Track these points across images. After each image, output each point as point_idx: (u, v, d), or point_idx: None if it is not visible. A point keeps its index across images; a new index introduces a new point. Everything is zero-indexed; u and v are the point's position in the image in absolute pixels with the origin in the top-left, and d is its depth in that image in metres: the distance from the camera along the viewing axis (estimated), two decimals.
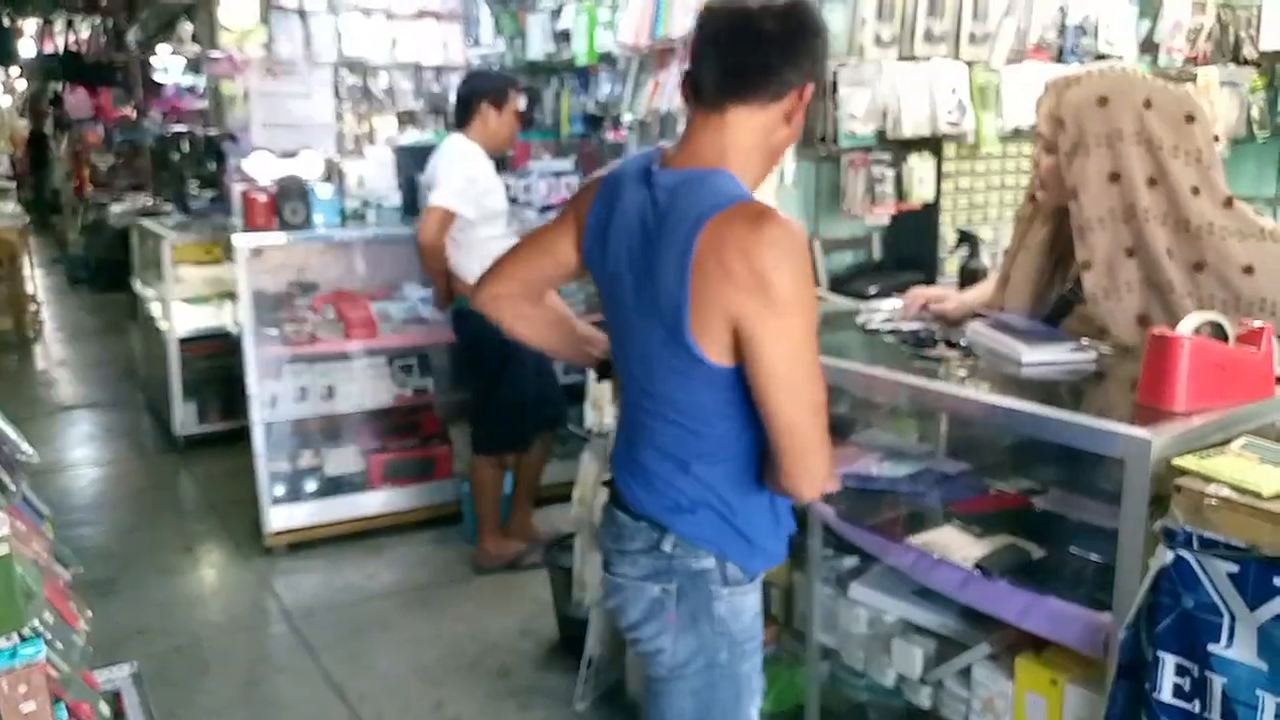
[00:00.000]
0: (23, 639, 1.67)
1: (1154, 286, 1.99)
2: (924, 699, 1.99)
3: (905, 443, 2.47)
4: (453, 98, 4.84)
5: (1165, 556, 1.47)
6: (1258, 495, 1.41)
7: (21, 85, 14.75)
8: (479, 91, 3.67)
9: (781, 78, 1.46)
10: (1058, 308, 2.18)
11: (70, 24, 11.73)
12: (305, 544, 3.92)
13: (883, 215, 3.01)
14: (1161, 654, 1.49)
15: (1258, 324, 1.76)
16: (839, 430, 2.05)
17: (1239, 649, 1.41)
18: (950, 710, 1.95)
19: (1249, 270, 1.93)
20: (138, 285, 5.89)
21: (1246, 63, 3.91)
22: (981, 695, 1.88)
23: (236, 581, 3.80)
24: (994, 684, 1.86)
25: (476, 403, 3.75)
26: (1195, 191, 1.95)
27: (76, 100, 11.19)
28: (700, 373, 1.47)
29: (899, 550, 2.00)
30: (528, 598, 3.46)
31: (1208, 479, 1.47)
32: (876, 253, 3.20)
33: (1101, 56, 3.35)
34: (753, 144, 1.50)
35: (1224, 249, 1.93)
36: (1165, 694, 1.50)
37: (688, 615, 1.57)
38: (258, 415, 3.87)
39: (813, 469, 1.46)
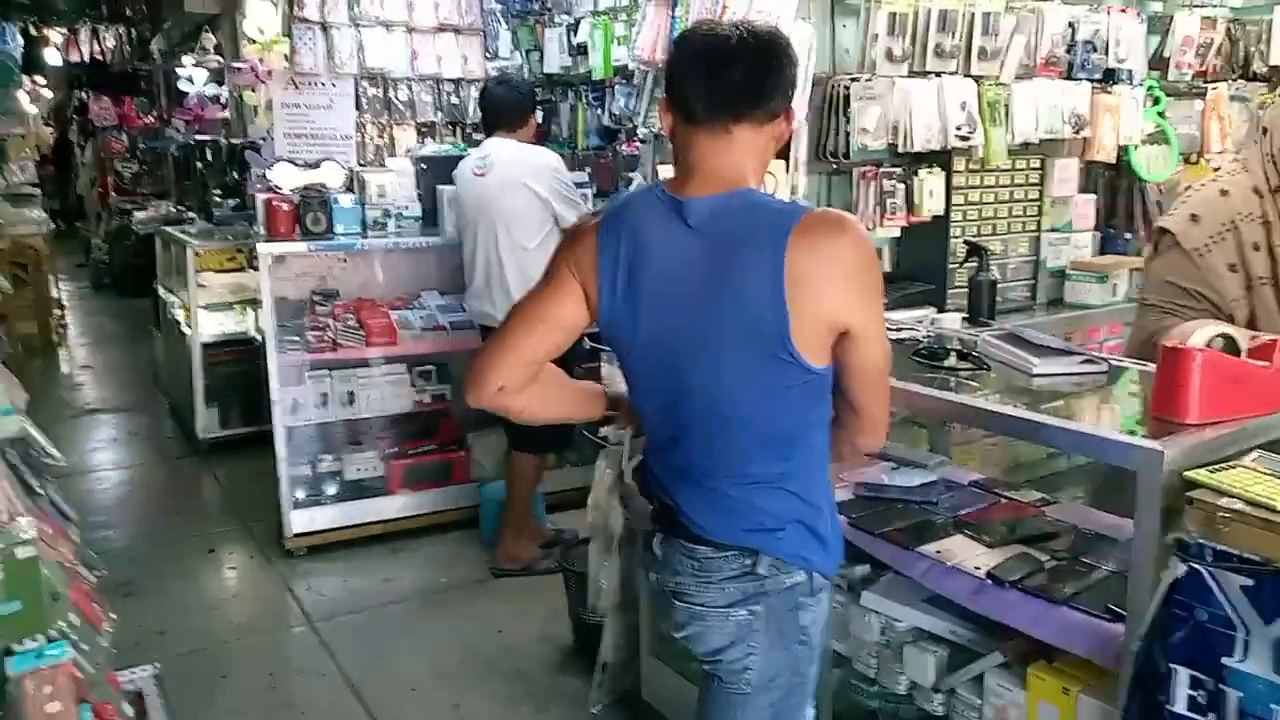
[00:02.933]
0: (49, 640, 1.71)
1: None
2: (937, 706, 2.01)
3: (918, 452, 2.50)
4: (473, 110, 4.94)
5: (1178, 569, 1.49)
6: (1272, 509, 1.42)
7: (47, 94, 14.93)
8: (529, 97, 3.78)
9: (773, 99, 1.53)
10: None
11: (95, 33, 11.91)
12: (325, 547, 3.97)
13: (894, 228, 3.04)
14: (1175, 666, 1.51)
15: (1269, 337, 1.78)
16: None
17: (1254, 662, 1.42)
18: (963, 718, 1.97)
19: None
20: (161, 291, 5.97)
21: (1256, 78, 3.92)
22: (994, 703, 1.90)
23: (257, 584, 3.84)
24: (1007, 693, 1.88)
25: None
26: None
27: (101, 108, 11.34)
28: (800, 381, 1.51)
29: (911, 559, 2.02)
30: (544, 601, 3.49)
31: (1221, 492, 1.49)
32: (888, 264, 3.23)
33: (1111, 73, 3.37)
34: (756, 161, 1.56)
35: None
36: (1179, 706, 1.51)
37: (776, 632, 1.61)
38: (279, 420, 3.92)
39: (884, 431, 1.66)
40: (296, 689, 3.10)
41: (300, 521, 3.95)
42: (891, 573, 2.12)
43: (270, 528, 4.09)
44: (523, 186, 3.60)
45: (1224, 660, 1.44)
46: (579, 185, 4.18)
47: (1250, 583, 1.40)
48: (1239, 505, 1.45)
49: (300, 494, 4.02)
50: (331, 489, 4.10)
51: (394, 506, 4.09)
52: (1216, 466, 1.56)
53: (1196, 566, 1.46)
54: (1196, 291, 2.09)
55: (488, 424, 3.96)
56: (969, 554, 1.98)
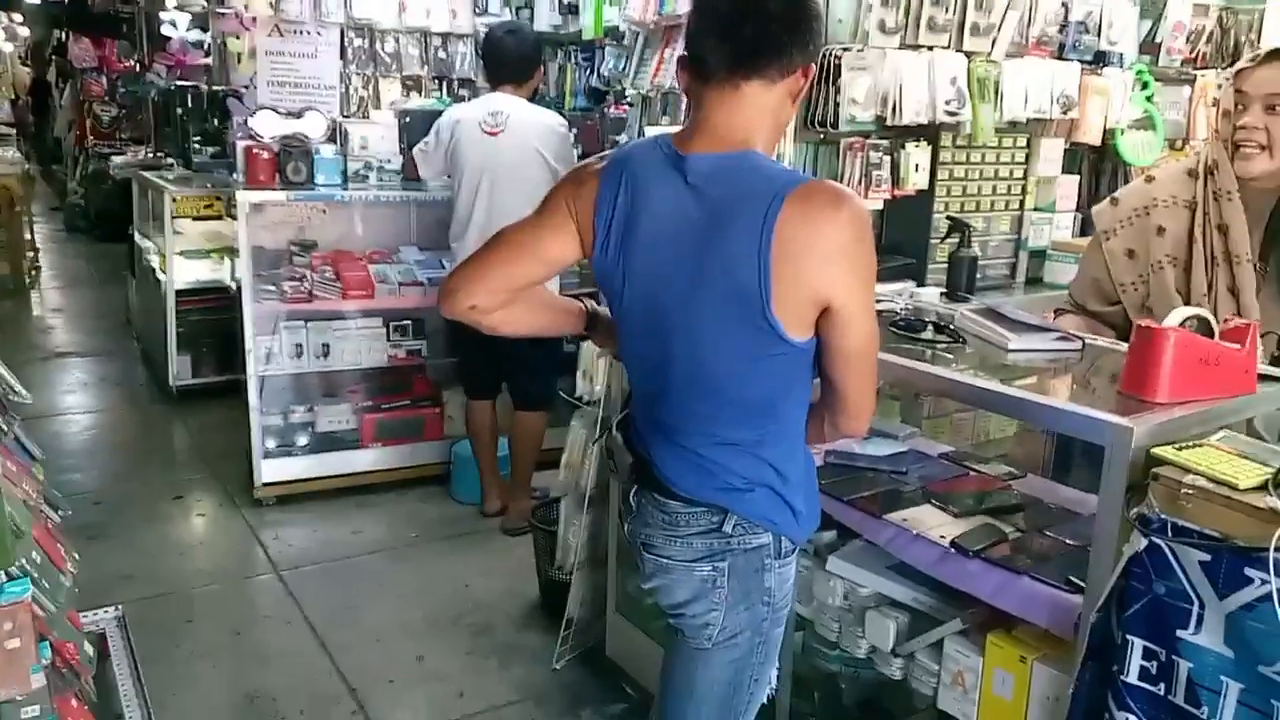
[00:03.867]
0: (9, 578, 1.70)
1: None
2: (895, 671, 2.04)
3: (889, 423, 2.52)
4: (462, 65, 4.88)
5: (1139, 543, 1.51)
6: (1233, 487, 1.44)
7: (24, 32, 14.63)
8: (539, 50, 3.71)
9: (790, 55, 1.48)
10: None
11: None
12: (294, 497, 3.96)
13: (877, 200, 3.04)
14: (1130, 637, 1.53)
15: (1243, 321, 1.80)
16: None
17: (1206, 636, 1.44)
18: (920, 683, 2.00)
19: None
20: (137, 236, 5.90)
21: None
22: (951, 669, 1.93)
23: (225, 531, 3.83)
24: (964, 659, 1.90)
25: (522, 361, 3.70)
26: None
27: (81, 50, 11.10)
28: (778, 352, 1.48)
29: (878, 526, 2.04)
30: (513, 558, 3.51)
31: (1185, 469, 1.50)
32: None
33: (1102, 54, 3.38)
34: (767, 121, 1.52)
35: None
36: (1132, 676, 1.54)
37: (740, 590, 1.62)
38: (253, 369, 3.90)
39: (870, 411, 1.61)
40: (261, 636, 3.10)
41: (270, 471, 3.94)
42: (858, 539, 2.14)
43: (240, 476, 4.07)
44: (535, 152, 3.56)
45: (1178, 632, 1.47)
46: None
47: (1208, 558, 1.42)
48: (1202, 482, 1.47)
49: (271, 444, 4.00)
50: (303, 440, 4.09)
51: (365, 460, 4.09)
52: (1183, 445, 1.57)
53: (1157, 541, 1.48)
54: (1094, 278, 2.23)
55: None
56: (935, 523, 2.00)
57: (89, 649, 2.14)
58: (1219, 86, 2.20)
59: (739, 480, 1.57)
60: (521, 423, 3.80)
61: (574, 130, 4.44)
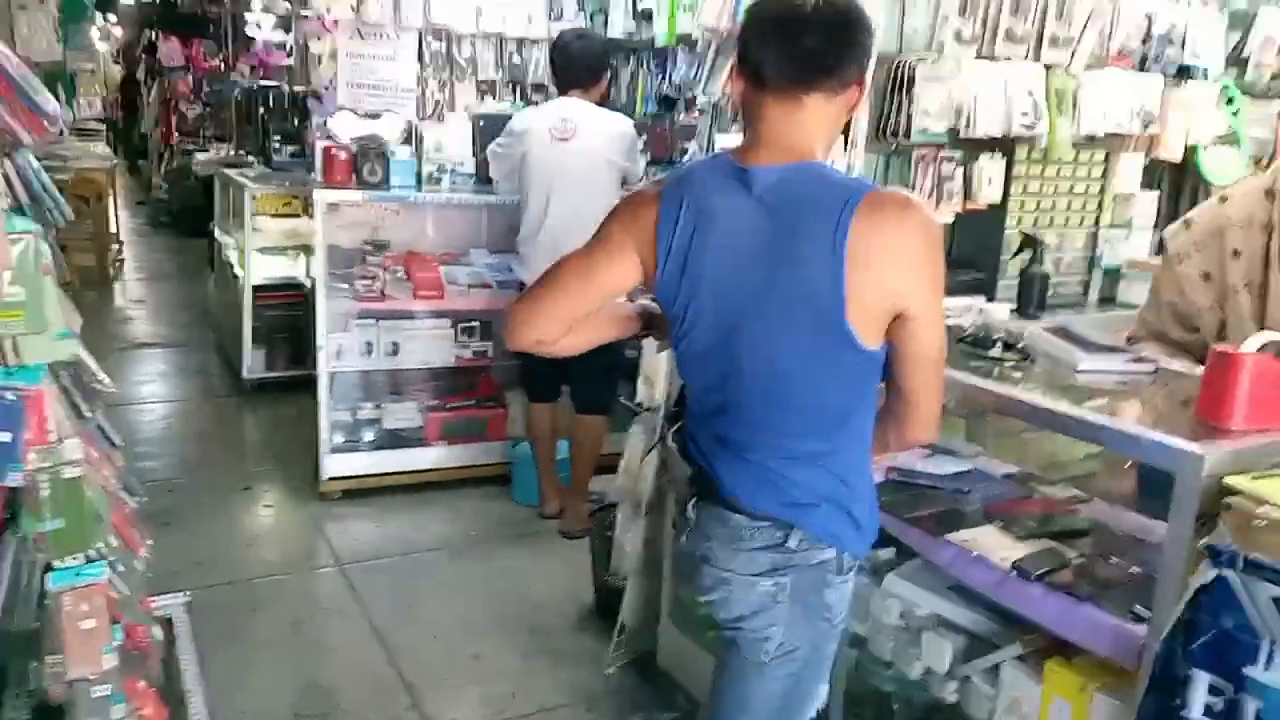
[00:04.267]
0: (88, 560, 1.77)
1: None
2: (949, 694, 2.01)
3: (954, 441, 2.48)
4: (534, 71, 4.93)
5: (1207, 574, 1.46)
6: None
7: (118, 32, 15.16)
8: (606, 54, 3.74)
9: (847, 68, 1.50)
10: None
11: None
12: (359, 492, 4.03)
13: (948, 213, 3.00)
14: (1195, 671, 1.49)
15: None
16: None
17: (1276, 673, 1.40)
18: (976, 707, 1.96)
19: None
20: (217, 232, 6.07)
21: None
22: (1008, 695, 1.89)
23: (291, 523, 3.92)
24: (1021, 685, 1.87)
25: (585, 366, 3.72)
26: None
27: (169, 49, 11.48)
28: (851, 360, 1.49)
29: (938, 546, 2.01)
30: (569, 561, 3.53)
31: (1259, 500, 1.46)
32: None
33: (1186, 68, 3.28)
34: (826, 132, 1.54)
35: None
36: (1195, 711, 1.49)
37: (800, 606, 1.62)
38: (324, 365, 3.98)
39: (937, 420, 1.62)
40: (322, 628, 3.17)
41: (336, 466, 4.02)
42: (916, 558, 2.11)
43: (307, 470, 4.16)
44: (606, 161, 3.60)
45: (1245, 669, 1.42)
46: None
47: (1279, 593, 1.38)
48: (1275, 514, 1.42)
49: (338, 439, 4.08)
50: (369, 436, 4.16)
51: (429, 457, 4.15)
52: (1257, 474, 1.53)
53: (1227, 573, 1.44)
54: (1168, 302, 2.13)
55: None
56: (996, 545, 1.96)
57: (157, 633, 2.21)
58: None
59: (805, 495, 1.57)
60: (582, 427, 3.82)
61: (643, 136, 4.46)
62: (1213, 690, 1.48)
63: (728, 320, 1.54)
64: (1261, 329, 1.95)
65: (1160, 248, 2.19)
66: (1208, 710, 1.48)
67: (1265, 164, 3.66)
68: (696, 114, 4.08)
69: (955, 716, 2.05)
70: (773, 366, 1.53)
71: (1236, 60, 3.59)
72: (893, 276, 1.44)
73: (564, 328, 1.66)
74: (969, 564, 1.95)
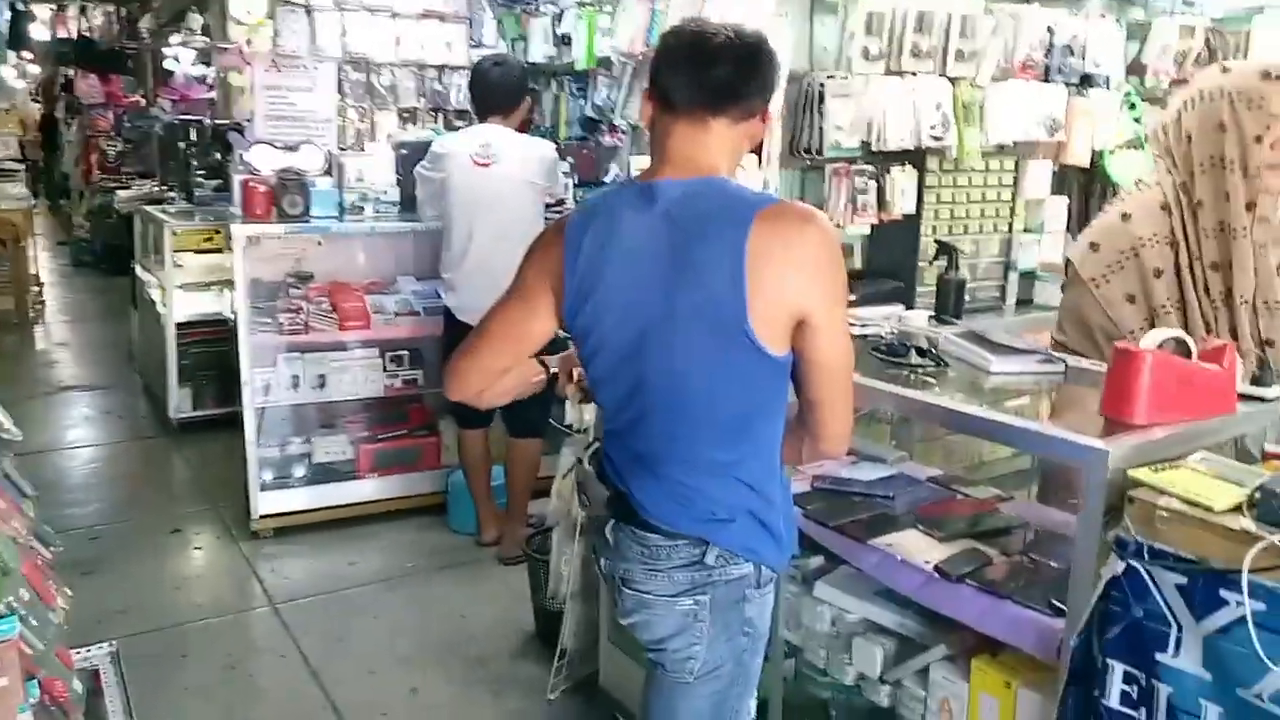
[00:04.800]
0: None
1: None
2: (883, 698, 2.03)
3: (878, 447, 2.52)
4: (455, 97, 4.93)
5: (1116, 566, 1.50)
6: (1209, 509, 1.44)
7: (34, 69, 14.82)
8: (525, 80, 3.74)
9: (752, 98, 1.57)
10: None
11: (83, 10, 11.81)
12: (292, 529, 3.96)
13: (864, 225, 3.06)
14: (1111, 661, 1.53)
15: (1220, 341, 1.80)
16: None
17: (1185, 659, 1.44)
18: (908, 709, 1.99)
19: None
20: (139, 270, 5.95)
21: None
22: (938, 696, 1.92)
23: (222, 565, 3.83)
24: (950, 685, 1.90)
25: None
26: None
27: (88, 86, 11.23)
28: (756, 366, 1.51)
29: (863, 551, 2.04)
30: (508, 588, 3.50)
31: (1161, 491, 1.50)
32: (858, 262, 3.25)
33: (1087, 77, 3.39)
34: (730, 154, 1.60)
35: None
36: (1113, 701, 1.53)
37: (721, 622, 1.62)
38: (250, 401, 3.91)
39: (847, 432, 1.62)
40: (256, 670, 3.09)
41: (267, 503, 3.94)
42: (845, 565, 2.13)
43: (238, 509, 4.07)
44: (527, 184, 3.60)
45: (1157, 656, 1.46)
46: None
47: (1184, 581, 1.42)
48: (1177, 505, 1.47)
49: (268, 476, 4.01)
50: (300, 471, 4.10)
51: (362, 490, 4.09)
52: (1160, 466, 1.57)
53: (1134, 564, 1.48)
54: (1098, 326, 2.07)
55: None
56: (920, 548, 1.99)
57: (79, 686, 2.14)
58: (1196, 102, 1.98)
59: (721, 510, 1.58)
60: (517, 450, 3.80)
61: (569, 159, 4.49)
62: (1127, 679, 1.51)
63: (633, 333, 1.56)
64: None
65: (1065, 270, 2.15)
66: (1125, 698, 1.52)
67: None
68: (621, 136, 4.12)
69: None
70: (678, 377, 1.54)
71: (1136, 68, 3.72)
72: (792, 285, 1.47)
73: (496, 379, 1.72)
74: (894, 568, 1.98)
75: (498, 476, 3.93)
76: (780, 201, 1.54)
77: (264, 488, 3.96)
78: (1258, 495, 1.41)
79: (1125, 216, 2.07)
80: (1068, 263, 2.14)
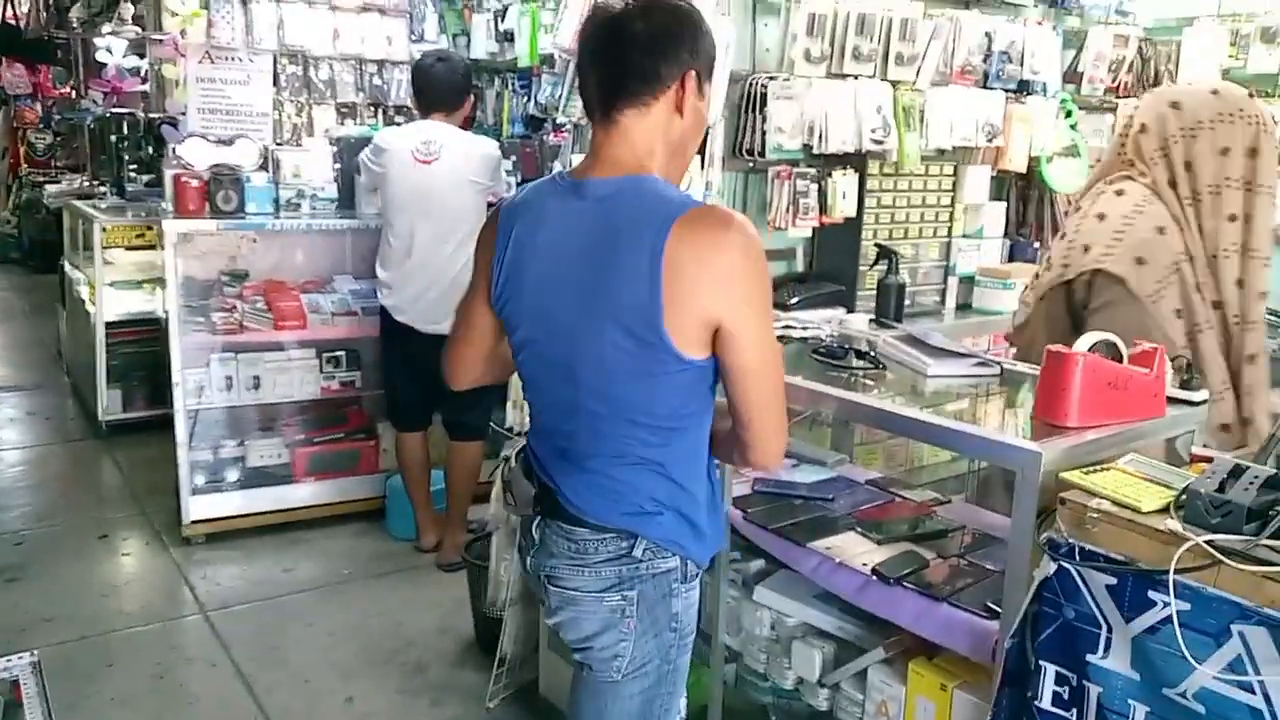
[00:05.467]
0: None
1: None
2: (822, 701, 2.03)
3: (819, 450, 2.52)
4: (395, 92, 4.85)
5: (1048, 567, 1.51)
6: (1137, 510, 1.45)
7: None
8: (468, 78, 3.70)
9: (655, 74, 1.51)
10: None
11: None
12: (225, 535, 3.87)
13: (806, 228, 3.06)
14: (1043, 663, 1.54)
15: (1150, 345, 1.83)
16: None
17: (1114, 659, 1.45)
18: (846, 713, 1.99)
19: None
20: (68, 267, 5.78)
21: None
22: (875, 699, 1.92)
23: (151, 571, 3.73)
24: (888, 688, 1.90)
25: (456, 391, 3.68)
26: None
27: (14, 76, 10.89)
28: (677, 369, 1.49)
29: (802, 554, 2.03)
30: (448, 594, 3.45)
31: (1092, 493, 1.52)
32: (799, 264, 3.26)
33: (1025, 84, 3.44)
34: (652, 144, 1.54)
35: None
36: (1046, 702, 1.54)
37: (648, 618, 1.61)
38: (181, 403, 3.81)
39: (778, 444, 1.58)
40: (185, 679, 3.01)
41: (199, 508, 3.85)
42: (785, 568, 2.13)
43: (169, 514, 3.97)
44: (469, 182, 3.55)
45: (1087, 657, 1.47)
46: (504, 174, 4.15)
47: (1114, 581, 1.43)
48: (1107, 506, 1.48)
49: (200, 480, 3.92)
50: (234, 475, 4.01)
51: (298, 495, 4.02)
52: (1091, 468, 1.59)
53: (1065, 565, 1.49)
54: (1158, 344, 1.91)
55: None
56: (858, 551, 2.00)
57: None
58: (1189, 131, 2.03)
59: (649, 503, 1.57)
60: (457, 454, 3.75)
61: (513, 157, 4.44)
62: (1059, 680, 1.53)
63: (557, 330, 1.56)
64: (1227, 361, 2.01)
65: (1101, 287, 2.02)
66: (1056, 699, 1.53)
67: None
68: (565, 133, 4.08)
69: None
70: (604, 375, 1.53)
71: (1073, 76, 3.78)
72: (707, 291, 1.45)
73: (486, 365, 1.76)
74: (832, 571, 1.98)
75: (438, 481, 3.88)
76: (702, 206, 1.51)
77: (196, 492, 3.87)
78: (1184, 497, 1.43)
79: (1161, 230, 2.00)
80: (1108, 278, 2.00)
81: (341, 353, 4.08)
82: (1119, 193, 2.07)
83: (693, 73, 1.53)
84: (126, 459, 4.77)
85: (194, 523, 3.84)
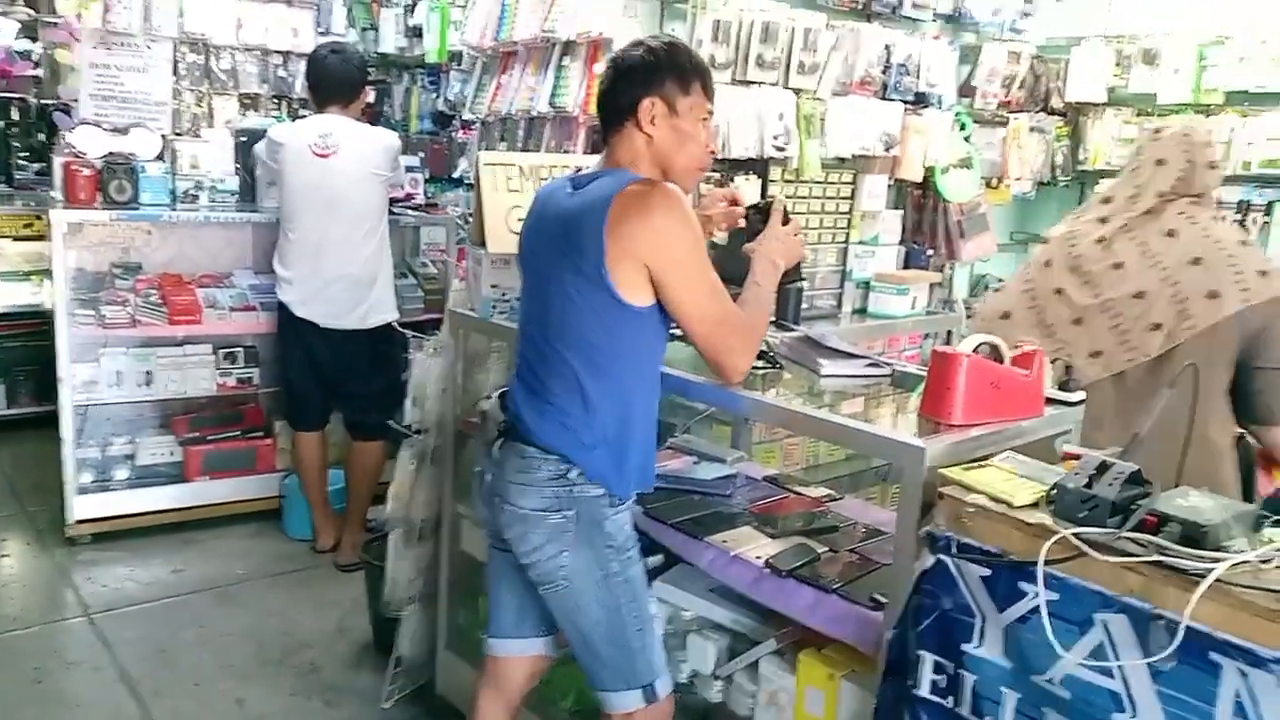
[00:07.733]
0: None
1: None
2: (715, 694, 2.06)
3: (719, 448, 2.56)
4: (300, 84, 4.76)
5: (928, 560, 1.57)
6: (1009, 504, 1.52)
7: None
8: (364, 70, 3.65)
9: (623, 103, 1.88)
10: None
11: None
12: (113, 535, 3.74)
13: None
14: (923, 652, 1.59)
15: (1030, 347, 1.91)
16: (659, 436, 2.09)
17: (988, 648, 1.51)
18: (738, 704, 2.02)
19: None
20: None
21: (1054, 112, 4.23)
22: (767, 689, 1.96)
23: (32, 572, 3.58)
24: (779, 679, 1.94)
25: (357, 389, 3.63)
26: None
27: None
28: (620, 311, 1.81)
29: (699, 548, 2.07)
30: (347, 595, 3.40)
31: (969, 488, 1.58)
32: None
33: (922, 96, 3.55)
34: (634, 158, 1.90)
35: None
36: (924, 690, 1.59)
37: (585, 534, 1.88)
38: (67, 399, 3.67)
39: (734, 360, 1.90)
40: (66, 683, 2.90)
41: (85, 508, 3.71)
42: (682, 563, 2.16)
43: (53, 513, 3.82)
44: (371, 176, 3.51)
45: (963, 646, 1.53)
46: (409, 169, 4.11)
47: (988, 573, 1.49)
48: (982, 500, 1.54)
49: (87, 478, 3.78)
50: (123, 474, 3.88)
51: (190, 494, 3.91)
52: (969, 465, 1.65)
53: (943, 558, 1.54)
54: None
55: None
56: (752, 544, 2.04)
57: None
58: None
59: (588, 438, 1.86)
60: (358, 454, 3.69)
61: (421, 154, 4.40)
62: (937, 669, 1.58)
63: (537, 281, 1.94)
64: None
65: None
66: (934, 688, 1.59)
67: (996, 184, 4.01)
68: (473, 130, 4.05)
69: (723, 716, 2.11)
70: (557, 312, 1.86)
71: (967, 90, 3.92)
72: (638, 239, 1.78)
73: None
74: (728, 564, 2.01)
75: (337, 480, 3.82)
76: (637, 181, 1.83)
77: (82, 491, 3.73)
78: (1054, 491, 1.50)
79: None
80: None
81: (239, 349, 3.98)
82: (1216, 218, 2.28)
83: (648, 101, 1.86)
84: (10, 456, 4.58)
85: (79, 522, 3.71)
